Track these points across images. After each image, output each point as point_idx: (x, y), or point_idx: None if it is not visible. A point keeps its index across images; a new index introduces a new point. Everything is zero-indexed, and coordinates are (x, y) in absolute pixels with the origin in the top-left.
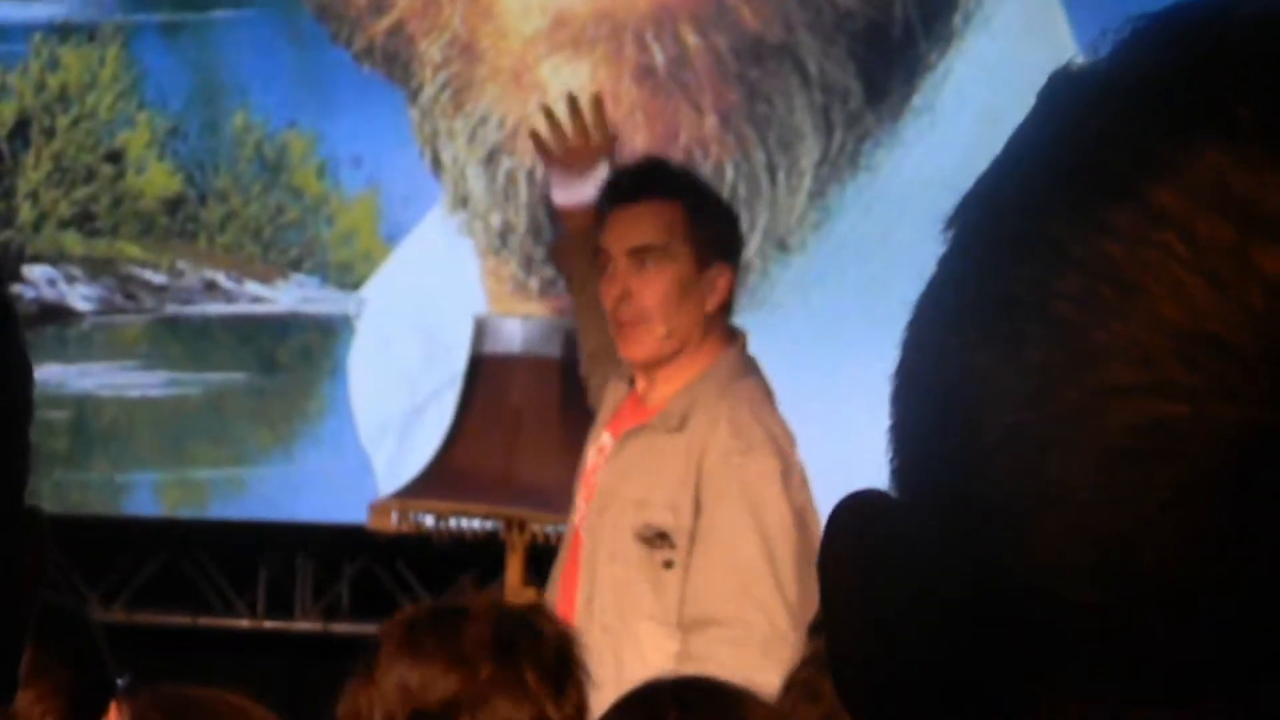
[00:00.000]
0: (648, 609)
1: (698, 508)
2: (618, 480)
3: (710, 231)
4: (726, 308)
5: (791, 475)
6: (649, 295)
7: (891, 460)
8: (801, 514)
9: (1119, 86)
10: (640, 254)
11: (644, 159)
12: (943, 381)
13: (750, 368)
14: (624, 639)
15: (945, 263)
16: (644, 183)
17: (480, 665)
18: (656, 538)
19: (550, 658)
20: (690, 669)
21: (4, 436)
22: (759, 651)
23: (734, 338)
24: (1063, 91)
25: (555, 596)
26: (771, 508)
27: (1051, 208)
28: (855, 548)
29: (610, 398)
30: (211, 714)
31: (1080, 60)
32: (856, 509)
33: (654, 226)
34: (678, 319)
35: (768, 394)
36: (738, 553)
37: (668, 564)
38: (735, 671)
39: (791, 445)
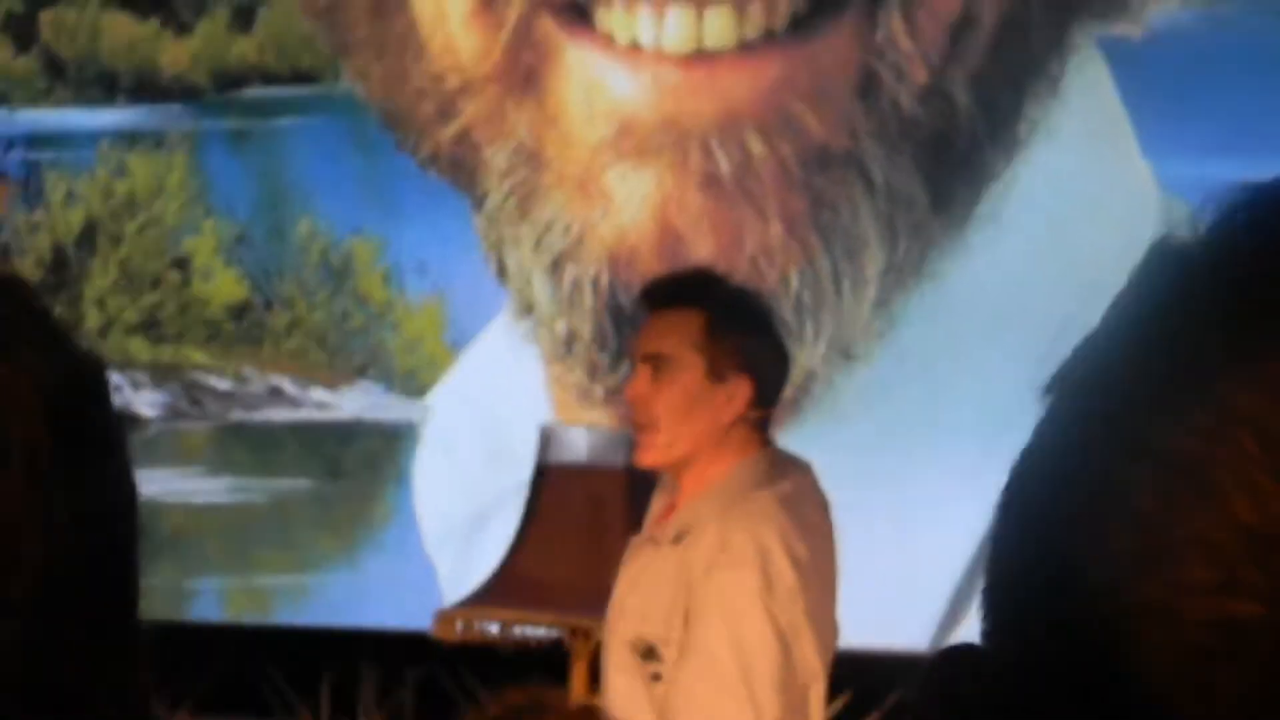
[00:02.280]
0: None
1: (686, 622)
2: (625, 592)
3: (730, 344)
4: (761, 421)
5: (775, 590)
6: (657, 403)
7: (985, 620)
8: (785, 630)
9: (1206, 274)
10: (654, 361)
11: (687, 268)
12: (1036, 556)
13: (772, 477)
14: None
15: (1041, 431)
16: (671, 291)
17: None
18: (647, 651)
19: None
20: None
21: (119, 562)
22: None
23: (755, 448)
24: (1157, 269)
25: None
26: (749, 623)
27: (1135, 396)
28: (948, 698)
29: (653, 506)
30: None
31: (1179, 234)
32: (953, 660)
33: (668, 335)
34: (681, 429)
35: (788, 504)
36: (712, 668)
37: (655, 677)
38: None
39: (794, 559)
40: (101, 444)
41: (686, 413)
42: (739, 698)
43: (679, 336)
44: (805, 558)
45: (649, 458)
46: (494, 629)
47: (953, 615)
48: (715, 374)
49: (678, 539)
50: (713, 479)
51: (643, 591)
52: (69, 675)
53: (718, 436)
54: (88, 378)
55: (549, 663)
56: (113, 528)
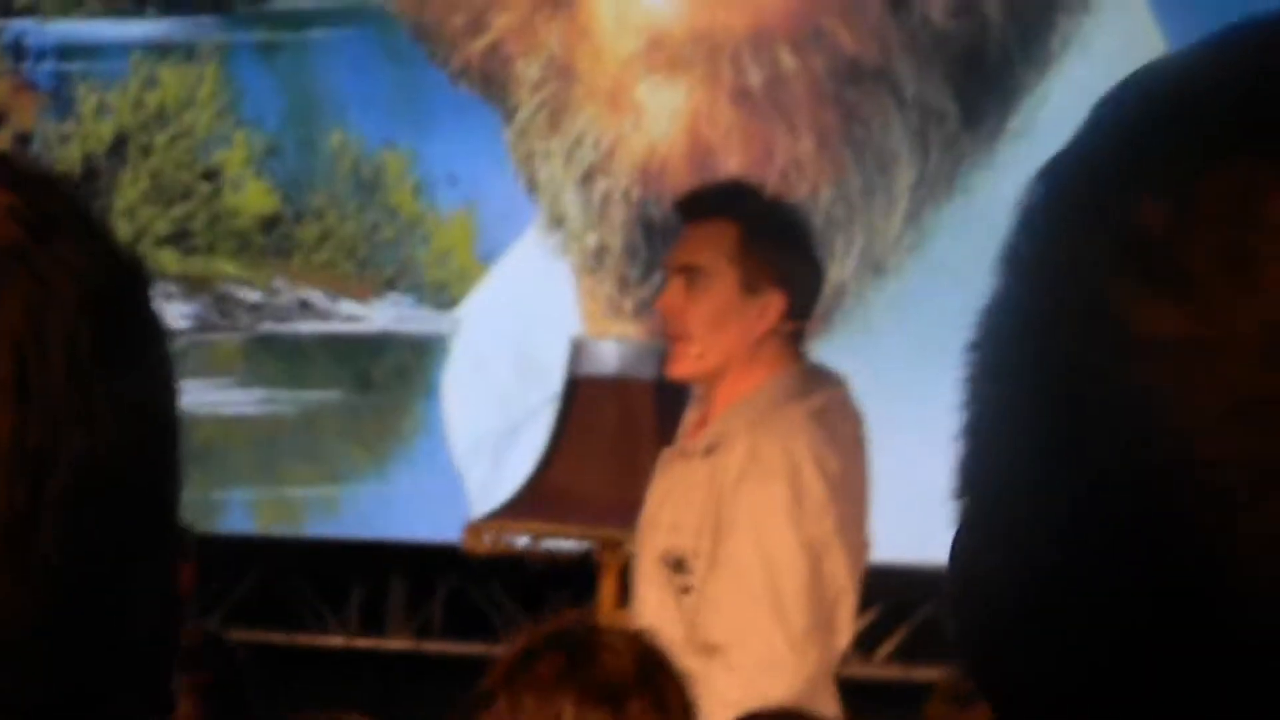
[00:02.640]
0: (676, 633)
1: (716, 534)
2: (656, 505)
3: (764, 257)
4: (795, 334)
5: (805, 504)
6: (690, 314)
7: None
8: (814, 544)
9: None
10: (688, 272)
11: (724, 180)
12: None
13: (804, 391)
14: None
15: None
16: (707, 203)
17: (628, 701)
18: (676, 564)
19: (684, 691)
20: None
21: (160, 457)
22: (754, 678)
23: (788, 361)
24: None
25: None
26: (778, 536)
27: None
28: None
29: (686, 419)
30: None
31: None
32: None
33: (703, 247)
34: (714, 340)
35: (819, 418)
36: (740, 580)
37: (684, 590)
38: (729, 697)
39: (824, 473)
40: (141, 336)
41: (719, 324)
42: (767, 610)
43: (713, 248)
44: (836, 471)
45: (681, 369)
46: (523, 541)
47: None
48: (749, 286)
49: (709, 452)
50: (745, 392)
51: (673, 504)
52: (106, 568)
53: (750, 349)
54: (126, 271)
55: (577, 576)
56: (154, 420)
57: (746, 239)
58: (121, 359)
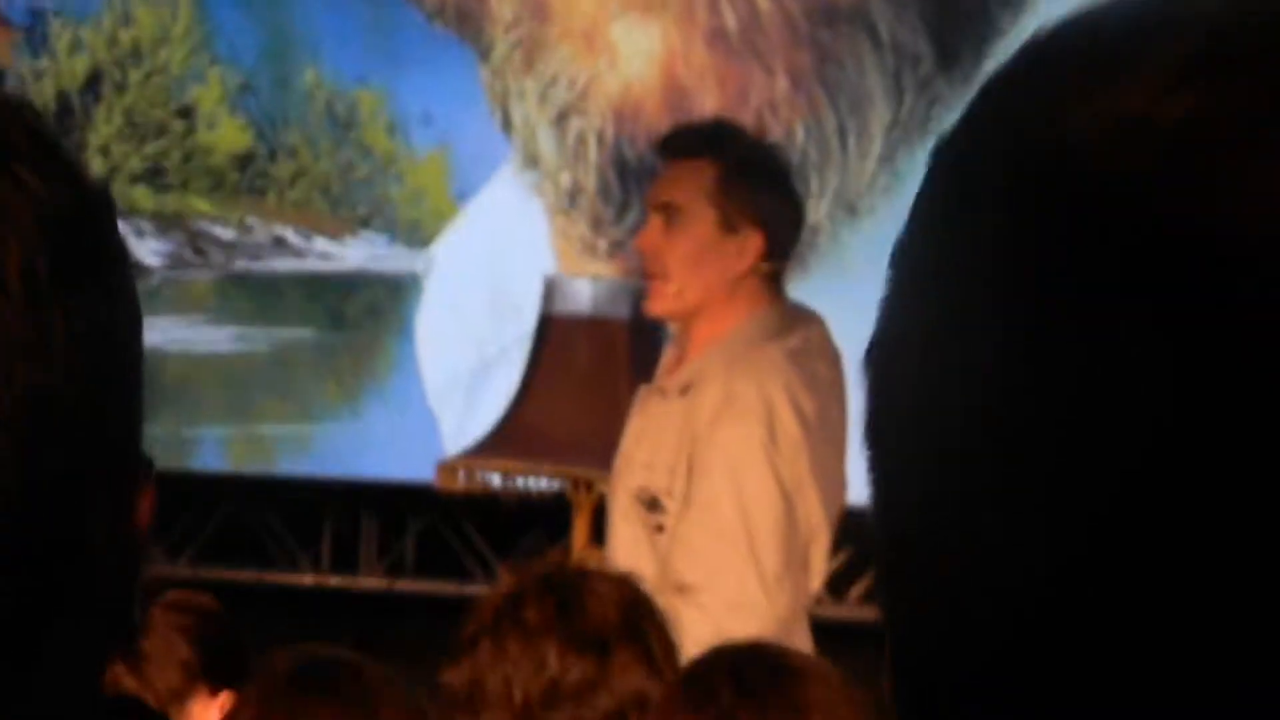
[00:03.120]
0: (650, 571)
1: (690, 474)
2: (632, 443)
3: (742, 196)
4: (773, 274)
5: (779, 444)
6: (668, 252)
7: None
8: (788, 484)
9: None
10: (667, 211)
11: (704, 120)
12: None
13: (781, 330)
14: None
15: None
16: (687, 142)
17: (614, 649)
18: (651, 502)
19: (668, 639)
20: None
21: (120, 386)
22: (725, 618)
23: (766, 301)
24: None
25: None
26: (752, 476)
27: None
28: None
29: (664, 358)
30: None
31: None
32: None
33: (682, 185)
34: (691, 279)
35: (795, 358)
36: (713, 519)
37: (659, 528)
38: (701, 638)
39: (799, 412)
40: (102, 263)
41: (697, 263)
42: (740, 550)
43: (692, 187)
44: (811, 412)
45: (659, 307)
46: (496, 480)
47: None
48: (727, 225)
49: (684, 391)
50: (722, 332)
51: (649, 442)
52: (64, 496)
53: (728, 288)
54: (88, 198)
55: (550, 515)
56: (114, 349)
57: (725, 178)
58: (82, 286)
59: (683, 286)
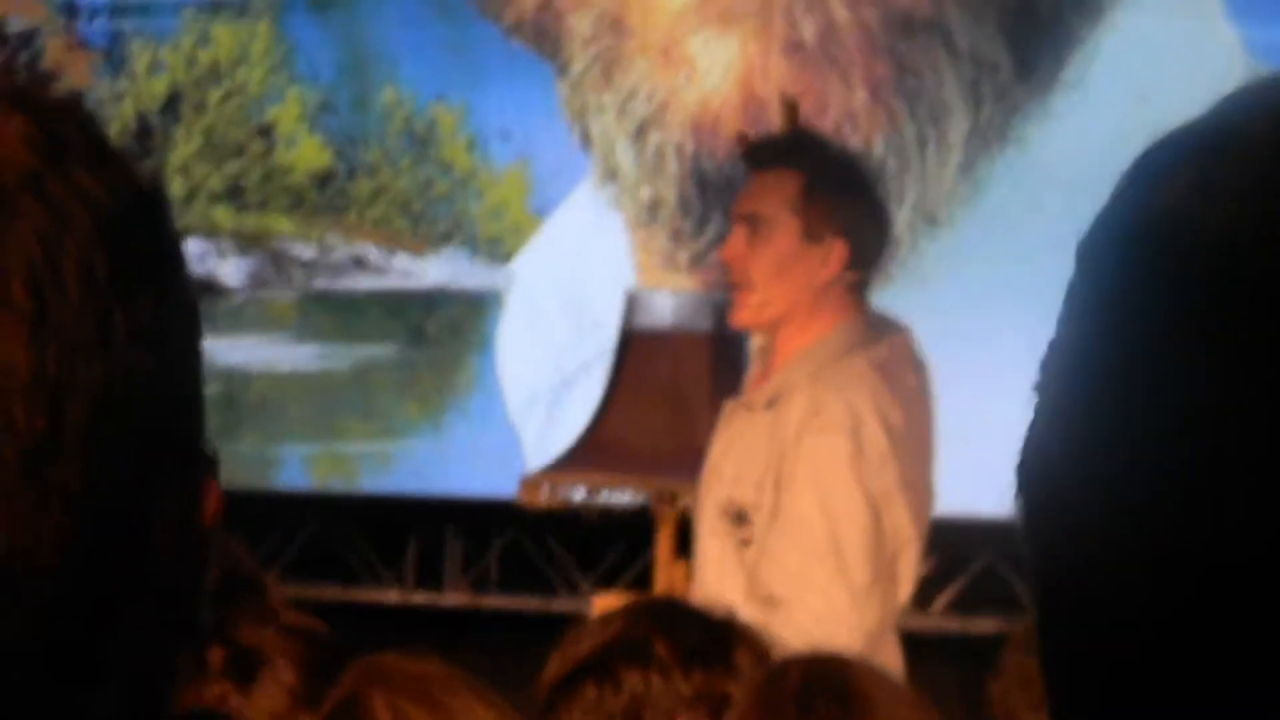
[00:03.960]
0: (737, 584)
1: (778, 487)
2: (719, 456)
3: (826, 205)
4: (858, 284)
5: (867, 456)
6: (753, 263)
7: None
8: (876, 497)
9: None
10: (751, 221)
11: (788, 129)
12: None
13: (866, 341)
14: None
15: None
16: (770, 152)
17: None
18: (738, 516)
19: (675, 637)
20: None
21: (179, 384)
22: (813, 631)
23: (851, 312)
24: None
25: None
26: (839, 489)
27: None
28: None
29: (750, 370)
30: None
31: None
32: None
33: (766, 196)
34: (775, 289)
35: (882, 368)
36: (801, 532)
37: (745, 542)
38: (790, 651)
39: (886, 424)
40: (159, 265)
41: (780, 273)
42: (827, 563)
43: (776, 197)
44: (898, 422)
45: (743, 317)
46: (579, 494)
47: None
48: (811, 235)
49: (771, 404)
50: (807, 344)
51: (736, 456)
52: (127, 496)
53: (812, 298)
54: (143, 198)
55: (633, 529)
56: (172, 347)
57: (808, 188)
58: (139, 286)
59: (767, 297)
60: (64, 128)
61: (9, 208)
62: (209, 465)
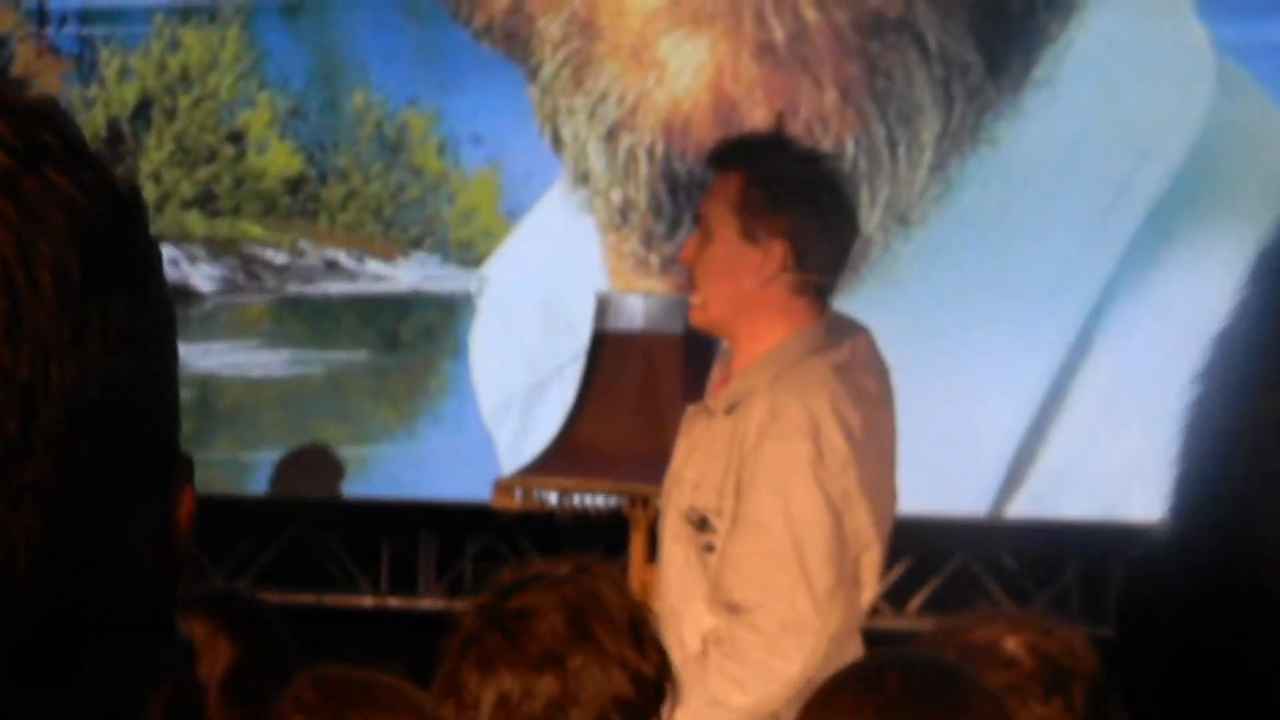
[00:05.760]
0: (701, 590)
1: (738, 492)
2: (680, 462)
3: (764, 206)
4: (815, 287)
5: (826, 460)
6: (697, 265)
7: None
8: (836, 500)
9: None
10: (702, 223)
11: (746, 132)
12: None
13: (826, 345)
14: (685, 619)
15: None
16: (723, 154)
17: (568, 658)
18: (700, 521)
19: (624, 622)
20: (714, 653)
21: (154, 388)
22: (777, 638)
23: (810, 316)
24: None
25: None
26: (800, 493)
27: None
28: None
29: (713, 375)
30: (369, 696)
31: None
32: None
33: (712, 197)
34: (715, 289)
35: (841, 371)
36: (762, 538)
37: (708, 548)
38: (752, 657)
39: (846, 427)
40: (134, 266)
41: (720, 273)
42: (790, 568)
43: (720, 198)
44: (858, 425)
45: (693, 317)
46: (553, 498)
47: (1012, 479)
48: (748, 235)
49: (730, 409)
50: (766, 349)
51: (697, 461)
52: (101, 498)
53: (755, 299)
54: (119, 201)
55: (608, 531)
56: (147, 350)
57: (747, 189)
58: (114, 289)
59: (706, 298)
60: (40, 131)
61: None
62: (185, 470)
